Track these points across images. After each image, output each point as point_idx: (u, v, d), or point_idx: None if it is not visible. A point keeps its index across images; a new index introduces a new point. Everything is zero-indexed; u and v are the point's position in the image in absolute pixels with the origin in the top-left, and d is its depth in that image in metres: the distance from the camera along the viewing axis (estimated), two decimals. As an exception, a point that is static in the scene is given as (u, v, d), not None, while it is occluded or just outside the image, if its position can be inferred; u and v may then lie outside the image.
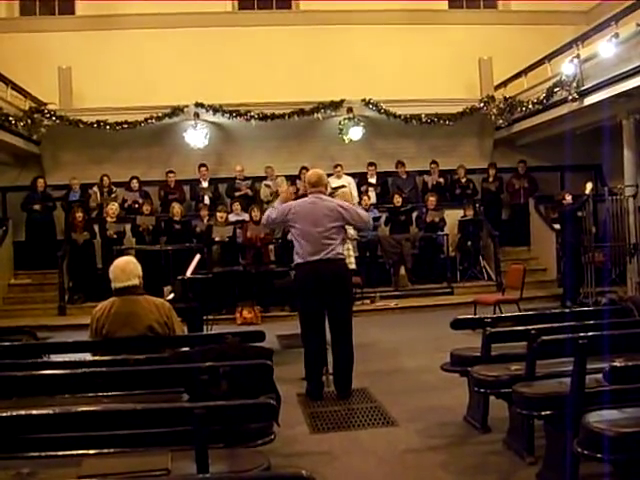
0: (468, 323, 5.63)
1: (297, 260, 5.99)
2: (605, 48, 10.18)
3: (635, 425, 3.11)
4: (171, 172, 13.30)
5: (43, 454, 2.88)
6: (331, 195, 12.95)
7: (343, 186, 13.24)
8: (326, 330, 6.07)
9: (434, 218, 12.70)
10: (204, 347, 4.09)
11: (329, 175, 13.36)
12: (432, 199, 12.86)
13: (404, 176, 13.79)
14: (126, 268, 4.46)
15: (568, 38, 11.87)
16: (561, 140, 12.50)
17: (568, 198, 11.21)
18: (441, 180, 13.73)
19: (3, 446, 2.83)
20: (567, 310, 7.46)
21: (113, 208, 12.16)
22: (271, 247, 12.13)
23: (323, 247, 5.86)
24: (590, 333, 3.90)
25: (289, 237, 6.15)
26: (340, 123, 13.51)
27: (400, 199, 12.90)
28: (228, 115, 13.27)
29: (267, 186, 13.23)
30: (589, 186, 10.94)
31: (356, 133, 13.53)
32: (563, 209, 11.29)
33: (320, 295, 5.87)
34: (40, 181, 12.75)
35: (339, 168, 13.26)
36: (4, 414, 2.75)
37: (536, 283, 11.74)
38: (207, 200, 13.02)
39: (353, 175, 13.54)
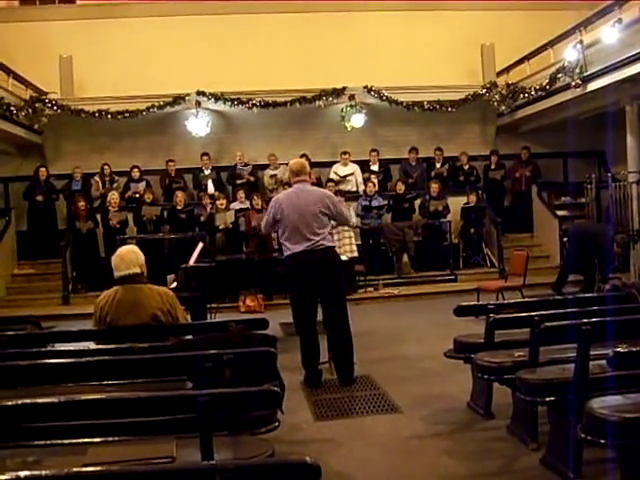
0: (471, 310, 5.63)
1: (287, 252, 5.99)
2: (608, 33, 10.11)
3: (638, 410, 3.12)
4: (171, 161, 13.27)
5: (48, 442, 2.89)
6: (339, 183, 13.04)
7: (351, 174, 13.31)
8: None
9: (437, 207, 12.66)
10: (208, 335, 4.10)
11: (335, 162, 13.47)
12: (435, 186, 12.80)
13: (414, 162, 13.76)
14: (126, 257, 4.46)
15: (571, 24, 11.78)
16: (564, 126, 12.46)
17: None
18: (443, 170, 13.66)
19: (9, 435, 2.84)
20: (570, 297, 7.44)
21: (114, 197, 12.17)
22: (274, 235, 12.11)
23: (312, 237, 5.85)
24: (593, 319, 3.90)
25: (278, 229, 6.09)
26: (342, 110, 13.47)
27: (403, 187, 12.88)
28: (230, 103, 13.24)
29: (272, 176, 13.24)
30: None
31: (358, 120, 13.49)
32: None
33: (311, 284, 5.89)
34: (42, 170, 12.71)
35: (347, 155, 13.25)
36: (9, 403, 2.76)
37: (539, 270, 11.71)
38: (211, 188, 13.01)
39: (355, 163, 13.51)
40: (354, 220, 6.60)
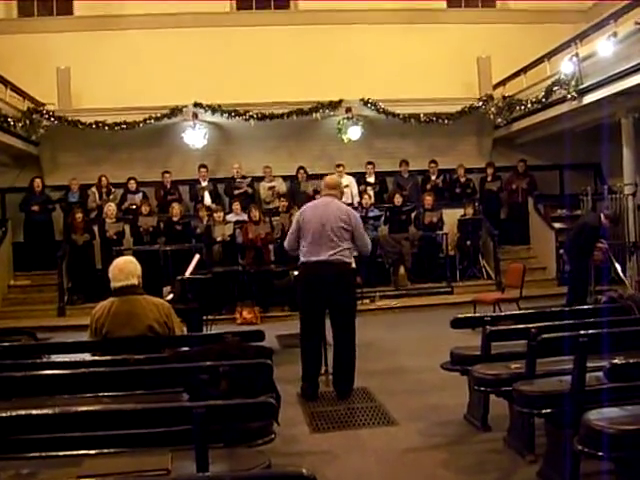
0: (468, 322, 5.63)
1: (302, 259, 5.99)
2: (604, 46, 10.16)
3: (635, 423, 3.11)
4: (167, 172, 13.27)
5: (43, 454, 2.88)
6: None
7: (346, 186, 13.30)
8: (327, 330, 6.08)
9: (432, 219, 12.67)
10: (204, 347, 4.09)
11: (330, 174, 13.46)
12: (429, 198, 12.83)
13: (406, 175, 13.79)
14: (124, 268, 4.46)
15: (567, 36, 11.85)
16: (560, 139, 12.49)
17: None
18: (438, 181, 13.70)
19: (3, 446, 2.82)
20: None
21: (111, 209, 12.17)
22: (271, 247, 12.12)
23: (330, 248, 5.85)
24: (590, 331, 3.90)
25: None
26: (339, 123, 13.51)
27: (400, 199, 12.89)
28: (227, 115, 13.26)
29: (270, 188, 13.25)
30: None
31: (355, 133, 13.52)
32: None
33: (322, 296, 5.87)
34: (37, 181, 12.67)
35: (341, 168, 13.25)
36: (4, 414, 2.74)
37: (536, 282, 11.73)
38: (208, 200, 13.00)
39: (352, 175, 13.53)
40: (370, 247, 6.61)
